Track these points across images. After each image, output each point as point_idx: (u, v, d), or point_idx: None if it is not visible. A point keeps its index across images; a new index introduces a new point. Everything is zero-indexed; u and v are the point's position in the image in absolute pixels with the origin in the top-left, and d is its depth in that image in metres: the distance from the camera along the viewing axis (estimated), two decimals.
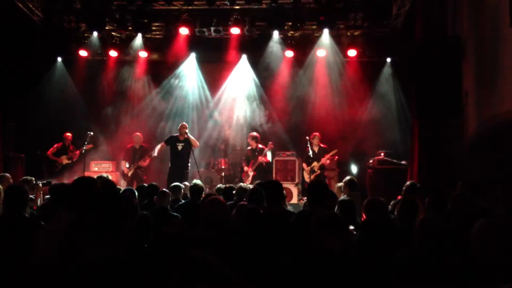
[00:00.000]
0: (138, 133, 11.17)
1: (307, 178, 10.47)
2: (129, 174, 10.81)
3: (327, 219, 3.04)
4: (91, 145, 10.80)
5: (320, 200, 4.34)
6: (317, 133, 10.67)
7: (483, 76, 7.59)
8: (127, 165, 10.93)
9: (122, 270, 1.76)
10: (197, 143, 10.46)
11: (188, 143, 10.21)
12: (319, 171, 10.43)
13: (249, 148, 10.99)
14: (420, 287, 2.50)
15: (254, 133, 11.02)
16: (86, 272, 2.03)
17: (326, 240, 2.93)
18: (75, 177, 3.89)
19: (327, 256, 2.84)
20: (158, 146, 10.48)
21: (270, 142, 10.83)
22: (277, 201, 4.64)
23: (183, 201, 6.55)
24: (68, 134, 10.97)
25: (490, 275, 2.33)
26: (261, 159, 10.56)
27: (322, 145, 10.65)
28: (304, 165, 10.65)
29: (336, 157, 10.89)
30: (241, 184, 6.38)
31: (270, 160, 10.76)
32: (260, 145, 10.84)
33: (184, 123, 10.62)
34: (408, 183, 6.75)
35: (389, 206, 5.68)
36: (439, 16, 8.63)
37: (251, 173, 10.51)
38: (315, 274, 2.76)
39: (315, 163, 10.44)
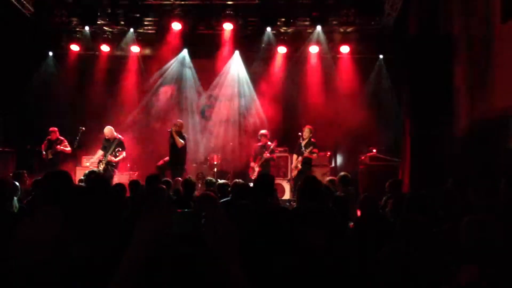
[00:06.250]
0: (108, 126, 10.34)
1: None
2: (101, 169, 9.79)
3: (307, 214, 3.01)
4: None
5: (310, 196, 4.28)
6: (306, 126, 10.10)
7: (475, 73, 7.61)
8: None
9: (109, 266, 1.75)
10: (181, 143, 9.96)
11: (180, 137, 10.03)
12: (300, 167, 9.78)
13: (259, 144, 10.54)
14: (400, 283, 2.52)
15: (265, 131, 10.59)
16: (75, 268, 2.02)
17: (307, 236, 2.91)
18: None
19: (308, 254, 2.82)
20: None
21: (275, 140, 10.51)
22: (268, 194, 4.45)
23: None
24: (54, 128, 10.54)
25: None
26: (266, 155, 10.32)
27: (312, 140, 9.96)
28: (294, 156, 10.16)
29: (329, 153, 10.87)
30: (236, 180, 6.36)
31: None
32: (269, 142, 10.44)
33: (179, 120, 10.46)
34: (389, 181, 6.64)
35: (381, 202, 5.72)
36: (431, 13, 8.66)
37: (257, 169, 10.30)
38: (297, 272, 2.75)
39: (299, 157, 9.94)
